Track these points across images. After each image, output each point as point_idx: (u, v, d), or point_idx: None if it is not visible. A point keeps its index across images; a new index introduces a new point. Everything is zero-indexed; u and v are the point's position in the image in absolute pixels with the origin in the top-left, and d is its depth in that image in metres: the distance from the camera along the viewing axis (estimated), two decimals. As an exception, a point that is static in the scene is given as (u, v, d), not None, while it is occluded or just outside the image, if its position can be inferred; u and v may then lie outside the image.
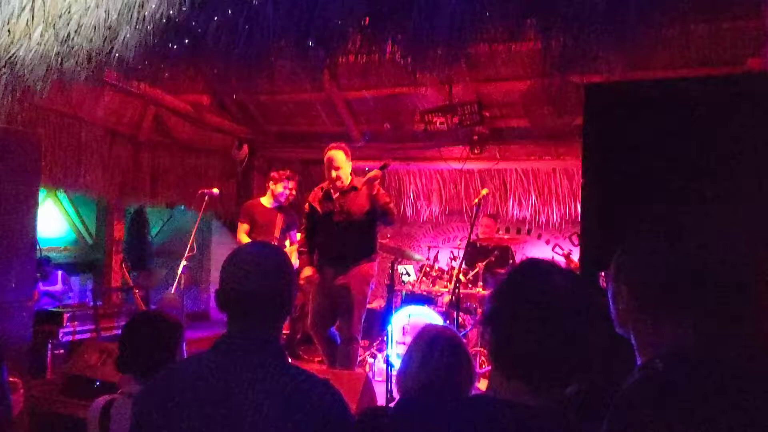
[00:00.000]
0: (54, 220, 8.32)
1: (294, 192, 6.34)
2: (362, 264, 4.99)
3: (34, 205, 5.02)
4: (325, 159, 4.94)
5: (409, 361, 2.19)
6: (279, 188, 6.01)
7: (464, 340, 2.27)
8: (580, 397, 1.93)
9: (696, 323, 1.50)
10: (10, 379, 3.64)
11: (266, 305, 1.58)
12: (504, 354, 1.31)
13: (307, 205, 5.22)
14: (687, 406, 1.36)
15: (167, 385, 1.58)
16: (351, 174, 5.00)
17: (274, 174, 6.16)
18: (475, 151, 6.94)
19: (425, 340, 2.21)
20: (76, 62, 3.07)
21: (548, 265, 1.40)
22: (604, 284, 1.68)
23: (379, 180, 4.80)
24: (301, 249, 5.22)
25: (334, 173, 4.87)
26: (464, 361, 2.19)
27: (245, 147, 7.75)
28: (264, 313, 1.58)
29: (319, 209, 4.98)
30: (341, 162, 4.88)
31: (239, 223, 6.04)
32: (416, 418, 1.34)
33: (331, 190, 4.97)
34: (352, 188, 4.94)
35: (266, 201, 6.08)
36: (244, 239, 5.95)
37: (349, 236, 4.91)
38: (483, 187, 7.09)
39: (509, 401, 1.27)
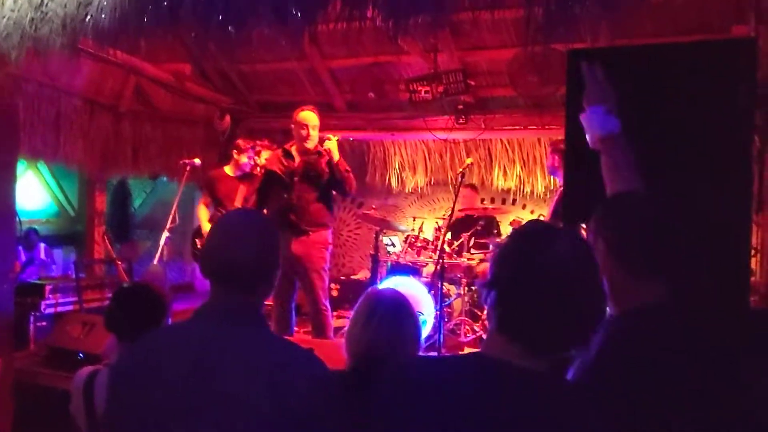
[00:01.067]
0: (35, 193, 8.23)
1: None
2: (319, 231, 5.08)
3: (13, 176, 4.95)
4: (295, 119, 4.98)
5: (354, 324, 2.20)
6: (243, 158, 5.93)
7: (411, 305, 2.26)
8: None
9: (669, 277, 1.57)
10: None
11: (249, 273, 1.55)
12: (508, 319, 1.30)
13: (261, 170, 5.24)
14: (660, 358, 1.47)
15: (145, 353, 1.55)
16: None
17: (239, 143, 6.08)
18: (461, 120, 6.90)
19: (369, 303, 2.22)
20: (51, 29, 3.00)
21: (552, 228, 1.40)
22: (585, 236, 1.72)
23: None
24: None
25: (304, 131, 4.93)
26: (408, 324, 2.19)
27: (227, 117, 7.66)
28: (247, 282, 1.55)
29: (278, 170, 4.98)
30: (314, 122, 4.96)
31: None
32: (409, 377, 1.33)
33: (294, 152, 5.00)
34: (317, 152, 5.00)
35: (229, 170, 6.01)
36: (203, 213, 5.92)
37: (307, 202, 4.96)
38: (467, 157, 7.08)
39: (509, 362, 1.26)
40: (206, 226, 5.77)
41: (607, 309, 1.51)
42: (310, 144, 4.97)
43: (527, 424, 1.20)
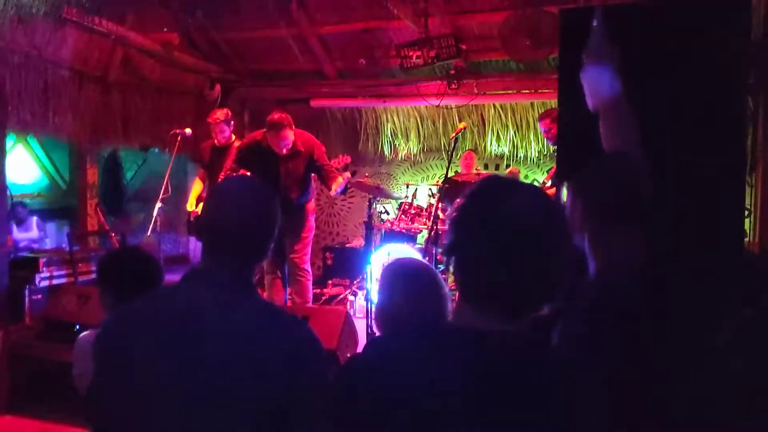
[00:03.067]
0: (26, 166, 8.17)
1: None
2: (304, 204, 5.36)
3: (2, 150, 4.91)
4: (270, 134, 5.05)
5: (391, 296, 2.14)
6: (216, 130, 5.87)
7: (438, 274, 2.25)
8: (551, 317, 1.97)
9: (646, 237, 1.60)
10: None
11: (242, 240, 1.53)
12: (471, 284, 1.23)
13: (240, 147, 5.35)
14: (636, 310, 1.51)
15: (130, 317, 1.54)
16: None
17: (210, 121, 5.94)
18: (453, 86, 6.86)
19: (406, 274, 2.18)
20: (34, -3, 2.95)
21: (509, 182, 1.31)
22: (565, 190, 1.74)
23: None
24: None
25: (279, 147, 5.05)
26: (443, 293, 2.15)
27: (218, 87, 7.58)
28: (239, 248, 1.54)
29: (256, 161, 5.10)
30: (290, 137, 5.06)
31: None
32: (389, 357, 1.26)
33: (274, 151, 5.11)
34: (294, 152, 5.13)
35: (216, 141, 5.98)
36: (197, 185, 5.90)
37: (292, 181, 5.13)
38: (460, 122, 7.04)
39: (479, 329, 1.19)
40: (191, 205, 5.76)
41: (579, 264, 1.53)
42: (286, 151, 5.11)
43: (512, 390, 1.15)
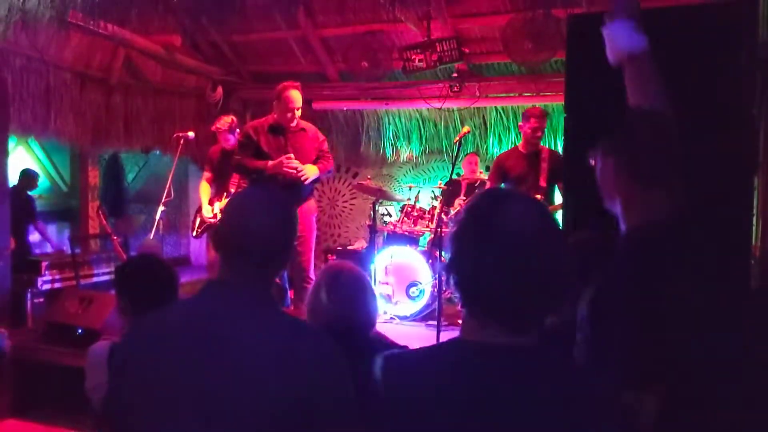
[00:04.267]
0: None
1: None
2: (309, 200, 5.17)
3: (4, 152, 4.90)
4: (282, 96, 4.92)
5: (315, 298, 2.24)
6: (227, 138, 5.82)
7: (368, 280, 2.34)
8: (560, 328, 1.97)
9: (681, 192, 1.60)
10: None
11: (263, 250, 1.52)
12: (473, 298, 1.23)
13: (242, 136, 5.19)
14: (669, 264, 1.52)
15: (151, 329, 1.53)
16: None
17: (218, 127, 5.87)
18: (455, 89, 6.86)
19: (329, 277, 2.26)
20: (39, 2, 2.94)
21: (505, 194, 1.32)
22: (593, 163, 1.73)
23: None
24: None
25: (290, 114, 4.90)
26: (366, 298, 2.25)
27: (220, 89, 7.57)
28: (260, 259, 1.52)
29: (264, 144, 4.95)
30: (300, 102, 4.93)
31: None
32: (401, 373, 1.27)
33: (283, 128, 4.97)
34: (301, 129, 5.03)
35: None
36: (204, 189, 5.87)
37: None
38: (463, 126, 7.04)
39: (484, 343, 1.20)
40: (207, 210, 5.74)
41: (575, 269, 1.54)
42: (297, 122, 4.99)
43: (519, 404, 1.16)
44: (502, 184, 5.33)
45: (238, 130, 5.74)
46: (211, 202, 5.76)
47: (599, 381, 1.28)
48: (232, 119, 5.90)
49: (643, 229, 1.59)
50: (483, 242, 1.20)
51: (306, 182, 4.87)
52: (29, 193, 7.22)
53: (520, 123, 5.63)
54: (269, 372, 1.38)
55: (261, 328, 1.44)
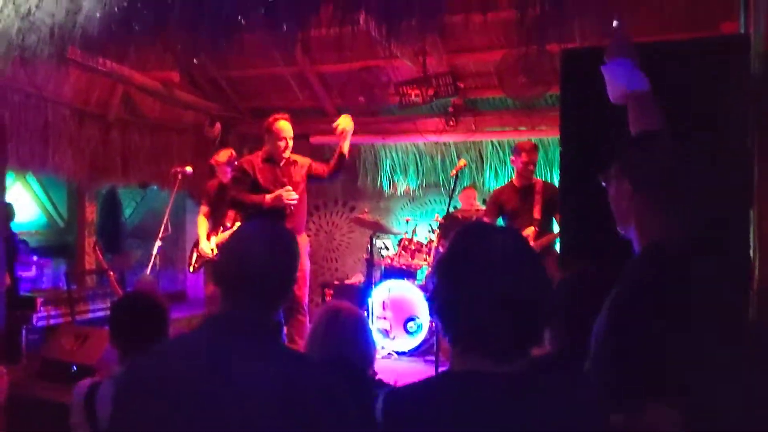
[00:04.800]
0: (24, 204, 8.15)
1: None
2: (302, 234, 5.16)
3: (2, 188, 4.91)
4: (272, 128, 4.98)
5: (313, 339, 2.26)
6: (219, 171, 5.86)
7: (366, 321, 2.40)
8: (552, 357, 1.96)
9: (686, 215, 1.65)
10: (-6, 365, 3.59)
11: (265, 284, 1.52)
12: (455, 330, 1.26)
13: (237, 171, 5.22)
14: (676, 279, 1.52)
15: (152, 366, 1.52)
16: None
17: (214, 163, 5.93)
18: (451, 123, 6.92)
19: (327, 319, 2.28)
20: (39, 38, 2.98)
21: (482, 229, 1.37)
22: (605, 186, 1.75)
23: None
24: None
25: (283, 143, 4.94)
26: (363, 340, 2.28)
27: (218, 124, 7.62)
28: (262, 293, 1.52)
29: (260, 177, 4.96)
30: (290, 132, 4.99)
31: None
32: (394, 411, 1.28)
33: (276, 160, 5.01)
34: (293, 162, 5.08)
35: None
36: (202, 223, 5.87)
37: (293, 206, 4.95)
38: (459, 160, 7.07)
39: (471, 372, 1.23)
40: (205, 244, 5.73)
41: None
42: (287, 154, 5.01)
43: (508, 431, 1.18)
44: (500, 218, 5.34)
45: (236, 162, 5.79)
46: (207, 237, 5.75)
47: (588, 407, 1.28)
48: (231, 152, 5.94)
49: (658, 248, 1.60)
50: (461, 273, 1.24)
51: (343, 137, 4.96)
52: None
53: (511, 158, 5.67)
54: (272, 405, 1.36)
55: (263, 361, 1.43)
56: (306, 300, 5.23)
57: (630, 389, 1.43)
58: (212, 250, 5.64)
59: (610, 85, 2.09)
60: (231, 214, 5.66)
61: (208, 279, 5.91)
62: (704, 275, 1.59)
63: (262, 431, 1.35)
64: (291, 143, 4.99)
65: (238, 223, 5.61)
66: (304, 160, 5.16)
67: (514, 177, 5.69)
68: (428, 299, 1.30)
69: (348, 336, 2.23)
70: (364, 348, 2.27)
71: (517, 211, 5.36)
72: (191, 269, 5.91)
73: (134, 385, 1.51)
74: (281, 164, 5.00)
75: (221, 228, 5.68)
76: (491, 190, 7.75)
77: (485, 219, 5.24)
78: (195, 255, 5.82)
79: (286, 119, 5.00)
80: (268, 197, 4.82)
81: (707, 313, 1.52)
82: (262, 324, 1.51)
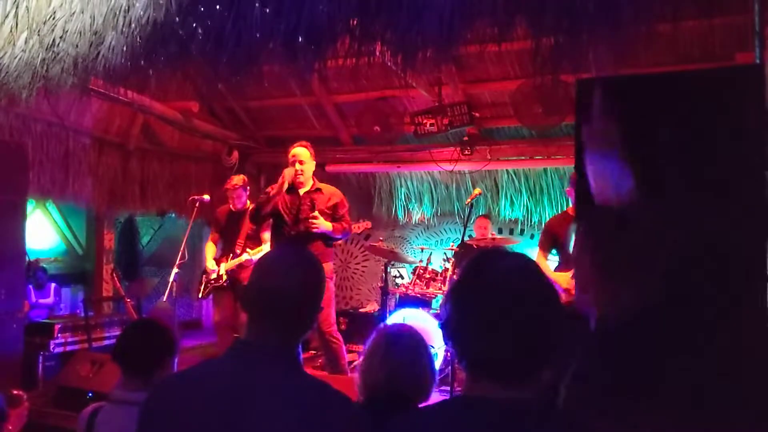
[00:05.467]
0: (44, 231, 8.25)
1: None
2: (326, 263, 4.98)
3: (23, 215, 4.98)
4: (288, 154, 5.03)
5: (370, 359, 2.16)
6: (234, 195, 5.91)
7: (425, 341, 2.24)
8: (558, 381, 1.95)
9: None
10: (14, 392, 3.60)
11: (292, 311, 1.52)
12: (469, 356, 1.26)
13: (263, 192, 5.29)
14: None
15: (175, 390, 1.52)
16: (314, 178, 5.08)
17: (228, 187, 5.96)
18: (466, 152, 6.94)
19: (387, 338, 2.18)
20: (62, 69, 3.04)
21: (495, 254, 1.36)
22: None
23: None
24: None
25: (298, 166, 4.93)
26: (425, 359, 2.16)
27: (235, 153, 7.71)
28: (288, 319, 1.52)
29: (280, 203, 4.93)
30: (305, 158, 4.97)
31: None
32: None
33: (294, 186, 4.98)
34: (317, 189, 5.03)
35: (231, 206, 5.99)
36: (210, 248, 5.91)
37: (308, 236, 4.87)
38: (474, 188, 7.08)
39: (481, 398, 1.22)
40: (211, 264, 5.76)
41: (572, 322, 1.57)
42: (303, 177, 4.98)
43: None
44: (553, 250, 5.18)
45: (249, 187, 5.92)
46: (217, 263, 5.78)
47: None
48: (244, 178, 6.00)
49: (612, 319, 1.63)
50: (472, 299, 1.25)
51: (314, 230, 4.81)
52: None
53: (567, 188, 5.61)
54: None
55: (288, 394, 1.43)
56: (334, 326, 5.13)
57: None
58: (221, 276, 5.66)
59: (597, 184, 2.12)
60: (241, 241, 5.71)
61: (217, 306, 5.91)
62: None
63: None
64: (305, 168, 4.96)
65: (249, 250, 5.64)
66: (332, 192, 5.07)
67: (569, 206, 5.59)
68: (441, 326, 1.30)
69: (405, 363, 2.10)
70: (421, 377, 2.14)
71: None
72: (200, 295, 5.91)
73: (157, 410, 1.51)
74: (299, 191, 4.99)
75: (231, 255, 5.72)
76: (506, 219, 7.78)
77: (539, 250, 5.08)
78: (204, 281, 5.84)
79: (301, 145, 5.01)
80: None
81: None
82: (286, 351, 1.51)
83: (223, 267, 5.70)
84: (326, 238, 4.97)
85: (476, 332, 1.23)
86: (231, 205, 5.90)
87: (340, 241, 5.59)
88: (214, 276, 5.70)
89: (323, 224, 4.82)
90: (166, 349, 2.50)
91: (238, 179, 5.91)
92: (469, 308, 1.25)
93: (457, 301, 1.28)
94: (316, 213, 4.82)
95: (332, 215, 4.97)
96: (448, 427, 1.23)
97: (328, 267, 5.10)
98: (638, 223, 1.79)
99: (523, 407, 1.21)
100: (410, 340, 2.19)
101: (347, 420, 1.43)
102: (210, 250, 5.91)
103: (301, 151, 4.98)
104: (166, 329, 2.59)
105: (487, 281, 1.26)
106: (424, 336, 2.28)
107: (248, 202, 5.94)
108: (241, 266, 5.63)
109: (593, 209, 1.82)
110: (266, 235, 5.82)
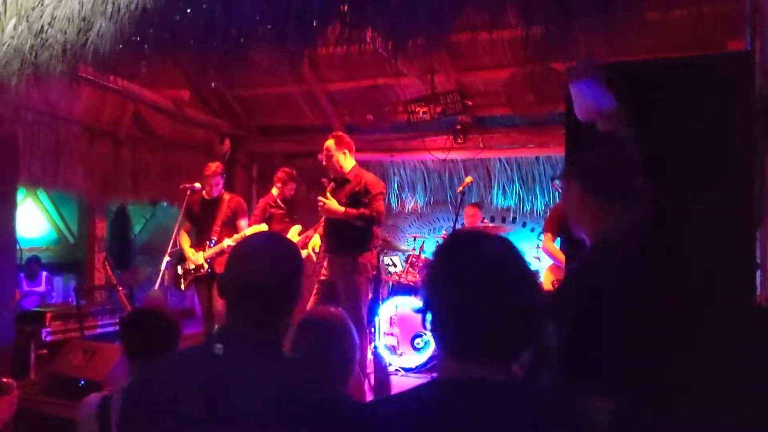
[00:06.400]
0: (35, 220, 8.22)
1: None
2: (347, 256, 4.92)
3: (13, 204, 4.96)
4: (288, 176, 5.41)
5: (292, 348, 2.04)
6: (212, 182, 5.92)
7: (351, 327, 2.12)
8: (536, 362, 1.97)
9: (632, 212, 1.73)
10: (4, 380, 3.60)
11: (271, 296, 1.52)
12: (448, 337, 1.26)
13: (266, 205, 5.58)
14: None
15: (158, 378, 1.53)
16: (357, 168, 5.12)
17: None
18: (459, 140, 6.94)
19: (300, 326, 2.07)
20: (51, 55, 3.01)
21: (473, 235, 1.39)
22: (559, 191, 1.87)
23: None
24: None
25: (323, 157, 5.06)
26: (339, 344, 2.05)
27: (227, 142, 7.68)
28: (267, 304, 1.52)
29: (329, 190, 5.02)
30: (331, 149, 5.04)
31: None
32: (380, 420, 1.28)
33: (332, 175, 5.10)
34: (346, 180, 5.02)
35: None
36: (185, 240, 5.92)
37: (336, 225, 4.90)
38: (466, 177, 7.09)
39: (460, 379, 1.22)
40: (191, 253, 5.77)
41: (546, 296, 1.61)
42: (331, 170, 5.06)
43: None
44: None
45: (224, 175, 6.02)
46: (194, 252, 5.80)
47: (570, 411, 1.30)
48: (220, 164, 6.07)
49: (606, 242, 1.68)
50: (453, 282, 1.25)
51: (320, 212, 4.93)
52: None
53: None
54: (271, 419, 1.37)
55: (269, 378, 1.43)
56: (364, 316, 5.03)
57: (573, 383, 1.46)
58: (200, 264, 5.67)
59: (577, 103, 2.17)
60: (216, 228, 5.71)
61: (201, 296, 5.89)
62: (653, 269, 1.66)
63: None
64: (330, 156, 5.02)
65: (227, 239, 5.63)
66: (360, 180, 5.00)
67: None
68: (419, 309, 1.29)
69: (318, 346, 1.99)
70: (338, 359, 2.02)
71: None
72: (183, 287, 5.88)
73: (140, 397, 1.52)
74: (333, 179, 5.08)
75: (207, 243, 5.72)
76: (498, 207, 7.80)
77: (546, 233, 5.00)
78: (182, 272, 5.82)
79: (329, 137, 5.14)
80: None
81: (657, 308, 1.55)
82: (267, 338, 1.51)
83: (202, 255, 5.68)
84: (351, 227, 4.87)
85: (457, 313, 1.23)
86: (205, 193, 5.88)
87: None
88: (192, 266, 5.69)
89: (331, 205, 4.81)
90: (174, 336, 2.53)
91: (215, 166, 5.91)
92: (452, 291, 1.24)
93: (437, 283, 1.28)
94: (327, 196, 4.88)
95: (353, 203, 4.89)
96: (424, 410, 1.22)
97: (356, 261, 4.90)
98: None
99: (498, 388, 1.21)
100: (325, 325, 2.08)
101: (325, 399, 1.44)
102: (185, 240, 5.89)
103: (326, 144, 5.07)
104: (172, 317, 2.63)
105: (468, 261, 1.25)
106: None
107: (223, 190, 5.94)
108: (222, 253, 5.60)
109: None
110: (243, 222, 5.85)
